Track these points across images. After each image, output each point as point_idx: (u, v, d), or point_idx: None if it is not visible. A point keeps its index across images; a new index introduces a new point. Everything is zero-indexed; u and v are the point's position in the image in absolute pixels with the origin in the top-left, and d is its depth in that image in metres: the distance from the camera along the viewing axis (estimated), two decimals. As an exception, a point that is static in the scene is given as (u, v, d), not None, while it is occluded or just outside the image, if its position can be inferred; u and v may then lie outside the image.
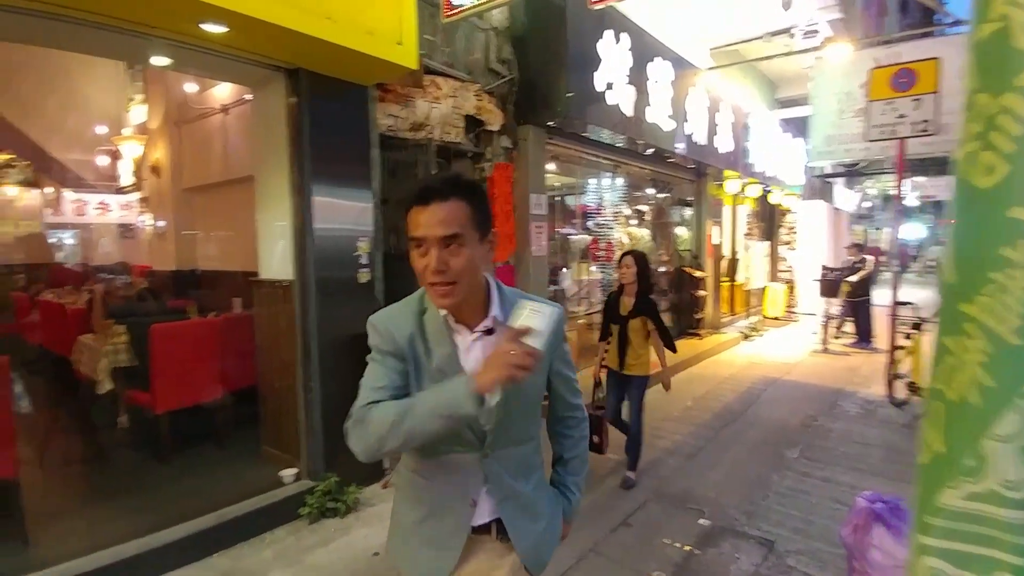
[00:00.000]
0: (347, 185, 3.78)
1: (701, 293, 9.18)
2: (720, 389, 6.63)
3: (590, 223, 7.59)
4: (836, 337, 9.29)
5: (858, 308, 9.08)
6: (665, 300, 9.05)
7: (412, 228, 1.19)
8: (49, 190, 8.78)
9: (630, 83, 5.91)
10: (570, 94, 5.14)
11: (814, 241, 13.38)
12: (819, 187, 13.82)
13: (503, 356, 1.07)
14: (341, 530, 3.34)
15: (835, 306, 9.14)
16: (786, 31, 8.19)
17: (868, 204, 23.06)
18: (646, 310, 3.90)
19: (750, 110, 9.46)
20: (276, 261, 3.75)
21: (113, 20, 2.72)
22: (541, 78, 5.28)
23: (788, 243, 13.50)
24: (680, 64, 6.93)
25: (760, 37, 8.35)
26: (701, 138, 7.64)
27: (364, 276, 3.88)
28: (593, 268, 7.56)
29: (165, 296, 5.62)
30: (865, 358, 8.35)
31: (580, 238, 7.52)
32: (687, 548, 3.17)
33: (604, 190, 7.72)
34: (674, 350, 4.07)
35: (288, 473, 3.62)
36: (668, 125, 6.74)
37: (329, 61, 3.38)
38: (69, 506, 3.39)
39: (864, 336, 9.11)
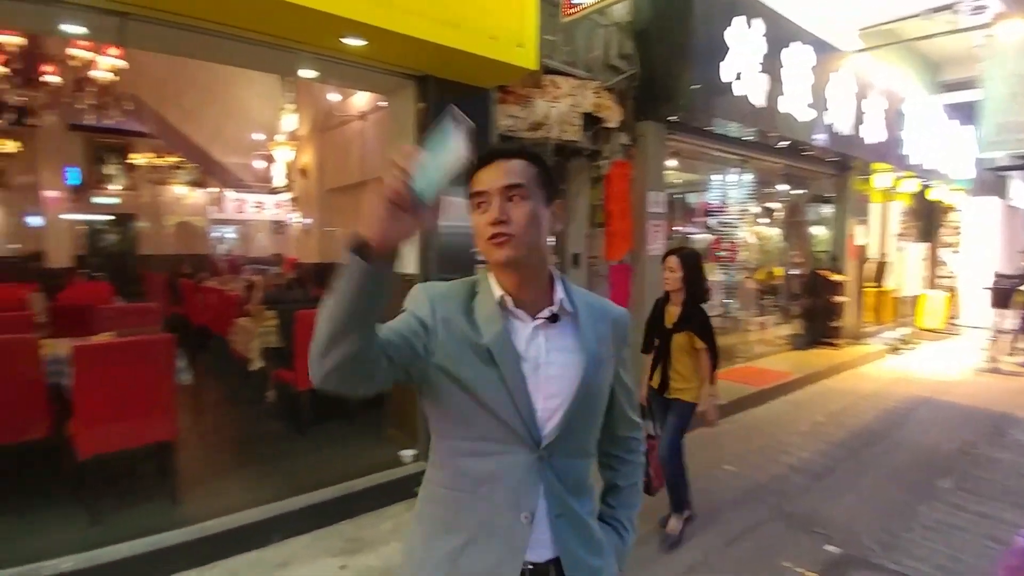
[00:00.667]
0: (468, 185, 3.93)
1: (839, 299, 8.38)
2: (859, 405, 6.02)
3: (713, 222, 7.22)
4: (1009, 354, 8.02)
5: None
6: (796, 305, 8.39)
7: (473, 184, 1.10)
8: (213, 190, 10.08)
9: (762, 71, 5.55)
10: (695, 86, 4.94)
11: (984, 243, 11.62)
12: (991, 181, 11.96)
13: (371, 203, 0.87)
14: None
15: (1009, 319, 7.90)
16: (949, 7, 7.20)
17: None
18: (694, 323, 3.17)
19: (906, 95, 8.44)
20: (410, 256, 4.01)
21: (266, 36, 3.07)
22: (663, 72, 5.13)
23: (951, 245, 11.87)
24: (822, 48, 6.38)
25: (918, 15, 7.41)
26: (845, 128, 6.96)
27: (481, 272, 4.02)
28: (715, 269, 7.20)
29: (309, 286, 6.22)
30: (1046, 381, 7.15)
31: (701, 237, 7.20)
32: (810, 574, 2.94)
33: (729, 186, 7.31)
34: (714, 372, 3.25)
35: (407, 453, 3.87)
36: (805, 115, 6.22)
37: (454, 67, 3.55)
38: (217, 470, 3.89)
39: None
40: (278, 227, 10.25)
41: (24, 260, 9.19)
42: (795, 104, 6.06)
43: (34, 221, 9.78)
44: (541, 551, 1.10)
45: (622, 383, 1.25)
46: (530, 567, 1.09)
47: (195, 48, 3.26)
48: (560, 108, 4.69)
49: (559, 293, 1.14)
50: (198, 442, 4.34)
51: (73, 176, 10.09)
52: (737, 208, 7.34)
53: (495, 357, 1.06)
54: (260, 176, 9.62)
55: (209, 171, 9.83)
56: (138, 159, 10.20)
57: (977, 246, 11.60)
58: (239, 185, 9.78)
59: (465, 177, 1.10)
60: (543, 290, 1.14)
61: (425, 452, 3.88)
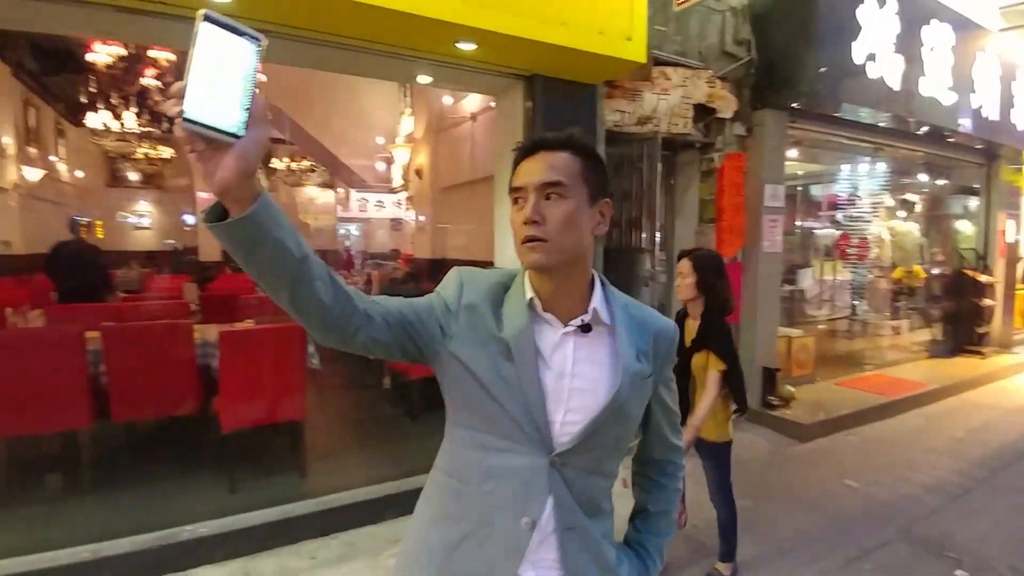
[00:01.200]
0: (574, 181, 3.95)
1: (987, 302, 7.39)
2: (1004, 422, 5.30)
3: (839, 216, 6.66)
4: None
5: None
6: (937, 308, 7.52)
7: (514, 179, 1.01)
8: (340, 190, 10.91)
9: (897, 52, 5.03)
10: (822, 69, 4.59)
11: None
12: None
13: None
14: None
15: None
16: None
17: None
18: (711, 339, 2.65)
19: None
20: (509, 251, 4.12)
21: (387, 47, 3.27)
22: (785, 56, 4.81)
23: None
24: (963, 26, 5.70)
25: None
26: (992, 112, 6.17)
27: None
28: (842, 267, 6.65)
29: (422, 280, 6.58)
30: None
31: (826, 233, 6.67)
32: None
33: (859, 177, 6.69)
34: (743, 410, 2.75)
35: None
36: (948, 98, 5.57)
37: (562, 65, 3.58)
38: (339, 449, 4.23)
39: None
40: (396, 224, 10.89)
41: (180, 254, 10.53)
42: (937, 86, 5.44)
43: (189, 219, 11.18)
44: (547, 573, 1.01)
45: (662, 403, 1.14)
46: None
47: (326, 60, 3.56)
48: (670, 100, 4.57)
49: (595, 301, 1.03)
50: (323, 422, 4.74)
51: (221, 179, 11.44)
52: (868, 201, 6.71)
53: (513, 352, 0.98)
54: (381, 177, 10.27)
55: (336, 173, 10.65)
56: (277, 163, 11.30)
57: None
58: (362, 186, 10.51)
59: (511, 167, 1.04)
60: (580, 296, 1.04)
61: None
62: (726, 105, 4.89)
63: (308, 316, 0.89)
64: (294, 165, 11.06)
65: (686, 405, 2.67)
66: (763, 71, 4.97)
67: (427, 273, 7.27)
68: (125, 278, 6.56)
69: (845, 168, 6.67)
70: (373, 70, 3.92)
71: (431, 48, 3.32)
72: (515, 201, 1.00)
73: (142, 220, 11.15)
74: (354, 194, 10.15)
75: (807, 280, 6.42)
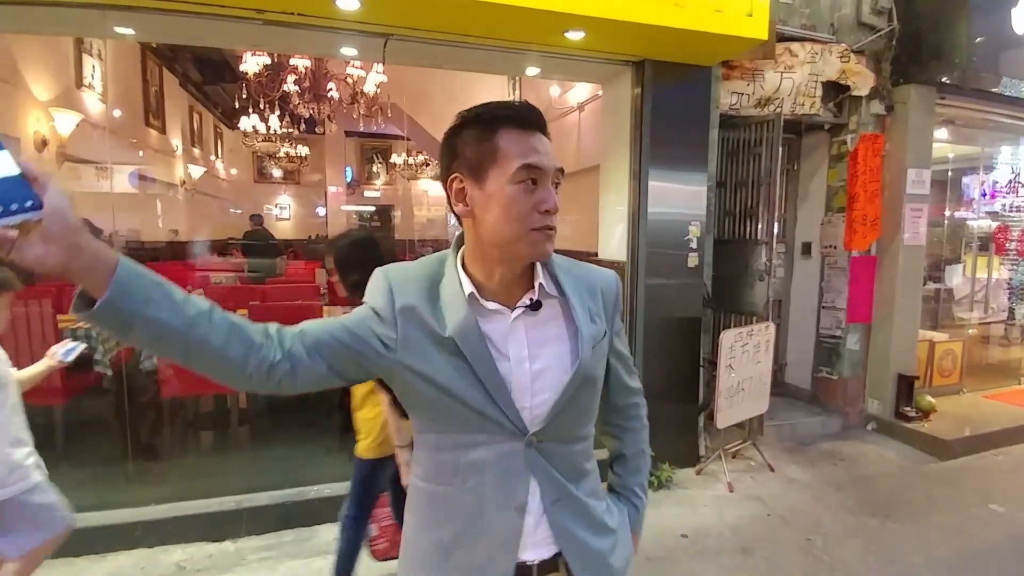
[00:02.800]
0: (682, 169, 3.82)
1: None
2: None
3: (997, 205, 5.79)
4: None
5: None
6: None
7: (522, 154, 0.91)
8: (453, 184, 11.40)
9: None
10: (979, 39, 4.02)
11: None
12: None
13: None
14: (652, 503, 3.44)
15: None
16: None
17: None
18: None
19: None
20: (614, 242, 4.07)
21: (498, 41, 3.34)
22: (933, 25, 4.26)
23: None
24: None
25: None
26: None
27: (693, 260, 3.89)
28: (1000, 263, 5.80)
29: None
30: None
31: (981, 224, 5.84)
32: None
33: (1022, 161, 5.78)
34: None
35: (610, 436, 3.95)
36: None
37: (674, 48, 3.45)
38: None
39: None
40: (502, 215, 11.20)
41: (314, 243, 11.56)
42: None
43: (321, 211, 12.24)
44: (542, 550, 1.01)
45: (616, 352, 1.12)
46: (532, 564, 1.00)
47: (441, 59, 3.73)
48: (795, 78, 4.23)
49: (540, 276, 0.99)
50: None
51: (348, 174, 12.38)
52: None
53: (463, 350, 0.93)
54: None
55: (449, 168, 11.14)
56: (396, 159, 12.01)
57: None
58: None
59: (488, 133, 0.92)
60: (525, 275, 0.99)
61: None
62: (862, 81, 4.44)
63: (220, 377, 0.85)
64: (410, 160, 11.67)
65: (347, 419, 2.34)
66: (907, 42, 4.44)
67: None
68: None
69: (1006, 150, 5.76)
70: (485, 65, 4.04)
71: (540, 39, 3.35)
72: (523, 180, 0.91)
73: (283, 212, 12.38)
74: (465, 187, 10.54)
75: (956, 278, 5.67)
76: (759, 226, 4.15)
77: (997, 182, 5.83)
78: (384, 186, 12.78)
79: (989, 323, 5.78)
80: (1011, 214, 5.75)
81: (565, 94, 6.79)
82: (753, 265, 4.09)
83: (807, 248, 5.03)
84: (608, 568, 1.05)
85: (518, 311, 0.98)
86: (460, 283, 0.97)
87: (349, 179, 12.47)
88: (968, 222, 5.85)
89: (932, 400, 4.69)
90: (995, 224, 5.77)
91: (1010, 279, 5.81)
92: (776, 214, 4.20)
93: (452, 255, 1.01)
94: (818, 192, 4.93)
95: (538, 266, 1.00)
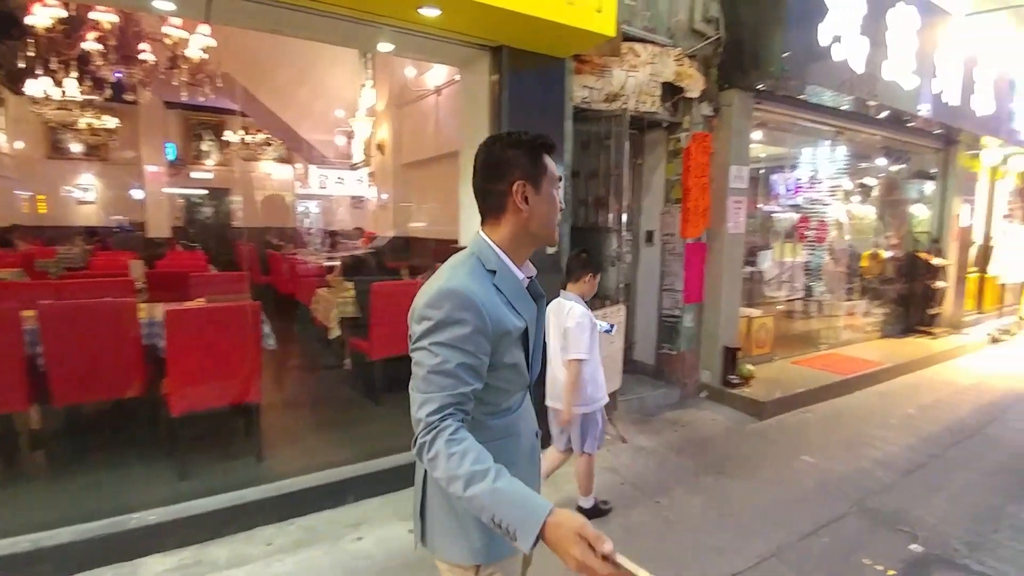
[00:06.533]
0: (540, 158, 3.87)
1: (939, 284, 7.69)
2: (954, 399, 5.54)
3: (800, 199, 6.77)
4: None
5: None
6: (891, 289, 7.77)
7: (555, 170, 1.29)
8: (298, 166, 10.55)
9: (863, 34, 5.07)
10: (786, 53, 4.59)
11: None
12: None
13: (574, 552, 0.93)
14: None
15: None
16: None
17: None
18: None
19: (1020, 64, 7.48)
20: (474, 228, 4.01)
21: (346, 10, 3.09)
22: (752, 36, 4.79)
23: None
24: (928, 10, 5.77)
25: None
26: (952, 98, 6.30)
27: (551, 249, 3.98)
28: (801, 249, 6.77)
29: (384, 258, 6.42)
30: None
31: (786, 216, 6.78)
32: (891, 573, 2.76)
33: (820, 161, 6.81)
34: None
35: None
36: (910, 83, 5.66)
37: (529, 35, 3.46)
38: (297, 432, 4.11)
39: None
40: (357, 202, 10.62)
41: (126, 230, 10.05)
42: (899, 71, 5.52)
43: (136, 194, 10.65)
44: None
45: None
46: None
47: (279, 23, 3.36)
48: (638, 77, 4.50)
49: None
50: (281, 404, 4.60)
51: (171, 151, 10.88)
52: (828, 184, 6.83)
53: (529, 332, 1.27)
54: (341, 152, 9.95)
55: (295, 147, 10.26)
56: (230, 136, 10.82)
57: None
58: (322, 161, 10.18)
59: (536, 155, 1.25)
60: None
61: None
62: (694, 84, 4.86)
63: None
64: (248, 138, 10.62)
65: None
66: (731, 50, 4.95)
67: (390, 252, 7.10)
68: (67, 255, 6.20)
69: (807, 151, 6.76)
70: (331, 35, 3.73)
71: (392, 13, 3.16)
72: (555, 188, 1.29)
73: (86, 194, 10.55)
74: (314, 170, 9.83)
75: (766, 262, 6.53)
76: (610, 215, 4.37)
77: (800, 179, 6.79)
78: (217, 167, 11.47)
79: (793, 300, 6.74)
80: (810, 207, 6.74)
81: (422, 76, 6.58)
82: (605, 252, 4.30)
83: (650, 236, 5.43)
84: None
85: (526, 281, 1.30)
86: (514, 274, 1.27)
87: (173, 158, 10.99)
88: (775, 214, 6.75)
89: (751, 368, 5.36)
90: (797, 216, 6.72)
91: (808, 262, 6.83)
92: (624, 204, 4.46)
93: (490, 253, 1.25)
94: (659, 184, 5.33)
95: None
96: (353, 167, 9.74)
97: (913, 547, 2.99)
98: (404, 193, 7.86)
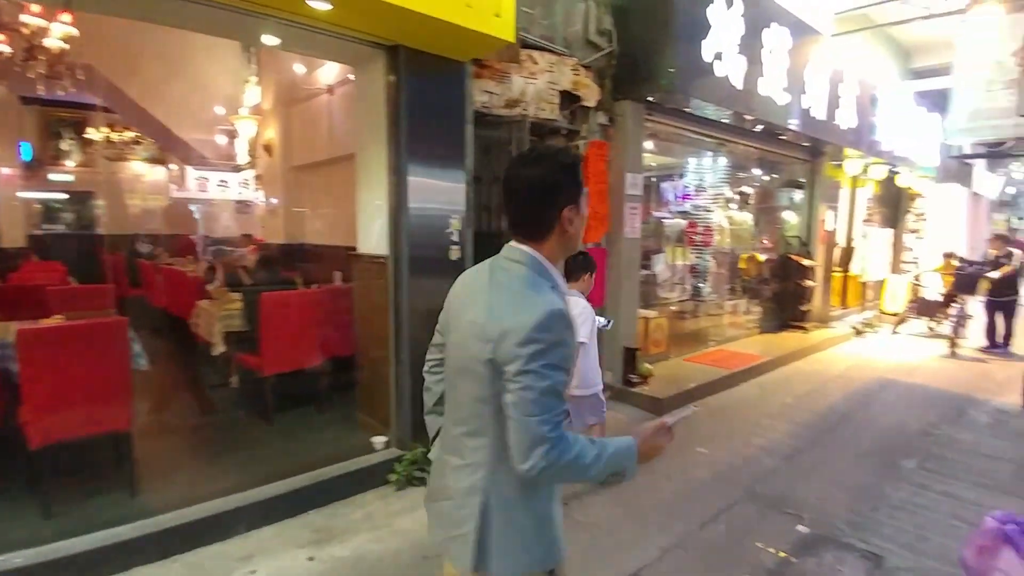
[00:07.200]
0: (441, 164, 3.80)
1: (809, 283, 8.50)
2: (826, 388, 6.12)
3: (688, 206, 7.20)
4: (959, 338, 8.17)
5: (999, 308, 8.00)
6: (767, 289, 8.48)
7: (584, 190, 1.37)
8: (173, 167, 9.66)
9: (741, 52, 5.48)
10: (671, 70, 4.85)
11: (947, 230, 11.91)
12: (956, 169, 12.26)
13: (662, 449, 1.35)
14: (418, 502, 3.42)
15: (968, 304, 8.14)
16: (925, -8, 7.24)
17: (1012, 190, 20.27)
18: None
19: (879, 81, 8.51)
20: (373, 237, 3.86)
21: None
22: (643, 49, 5.02)
23: (916, 231, 12.14)
24: (800, 30, 6.34)
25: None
26: (820, 113, 6.98)
27: (455, 253, 3.91)
28: (689, 253, 7.20)
29: (275, 268, 6.01)
30: (1000, 364, 7.38)
31: (676, 221, 7.18)
32: (782, 554, 2.95)
33: (705, 170, 7.29)
34: None
35: (379, 440, 3.76)
36: (783, 99, 6.21)
37: (427, 36, 3.38)
38: (178, 459, 3.73)
39: (1004, 339, 8.04)
40: (242, 207, 9.90)
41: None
42: (773, 87, 6.03)
43: (-21, 197, 9.23)
44: None
45: None
46: None
47: (147, 11, 3.03)
48: (537, 85, 4.56)
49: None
50: (158, 431, 4.15)
51: (26, 151, 9.56)
52: (711, 192, 7.33)
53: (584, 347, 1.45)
54: (223, 153, 9.23)
55: (169, 147, 9.38)
56: (94, 134, 9.68)
57: (941, 233, 11.90)
58: (201, 162, 9.39)
59: (579, 171, 1.34)
60: None
61: (396, 439, 3.78)
62: (590, 94, 5.00)
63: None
64: (115, 136, 9.56)
65: None
66: (624, 63, 5.15)
67: (281, 260, 6.68)
68: None
69: (693, 161, 7.22)
70: (208, 26, 3.43)
71: (278, 5, 2.95)
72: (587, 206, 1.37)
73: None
74: (191, 172, 9.04)
75: (659, 265, 6.87)
76: (513, 220, 4.37)
77: (687, 187, 7.23)
78: (80, 168, 10.20)
79: (684, 301, 7.14)
80: (697, 213, 7.19)
81: (314, 73, 6.26)
82: (509, 257, 4.29)
83: (552, 241, 5.51)
84: None
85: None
86: (564, 288, 1.37)
87: (28, 158, 9.64)
88: (666, 220, 7.13)
89: (649, 367, 5.60)
90: (686, 222, 7.14)
91: (695, 265, 7.28)
92: (527, 209, 4.47)
93: (545, 269, 1.30)
94: (559, 190, 5.42)
95: None
96: (236, 169, 9.07)
97: (800, 528, 3.22)
98: (296, 198, 7.43)
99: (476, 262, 4.37)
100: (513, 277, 1.27)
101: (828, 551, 2.99)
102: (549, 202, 1.27)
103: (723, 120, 6.34)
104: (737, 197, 8.12)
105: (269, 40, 3.45)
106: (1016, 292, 7.91)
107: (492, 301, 1.24)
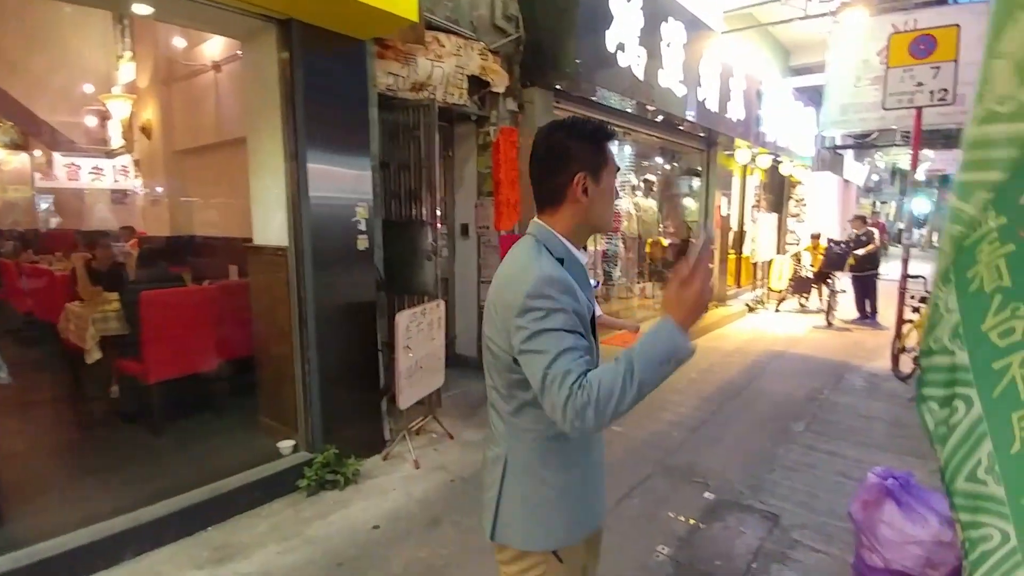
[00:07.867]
0: (344, 149, 3.59)
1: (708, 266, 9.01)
2: (725, 362, 6.54)
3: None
4: (831, 310, 9.04)
5: (864, 282, 8.94)
6: (670, 272, 8.91)
7: (615, 161, 1.33)
8: (38, 153, 8.52)
9: (642, 44, 5.64)
10: (578, 61, 4.89)
11: (823, 213, 13.11)
12: (829, 159, 13.50)
13: (698, 297, 1.11)
14: (340, 503, 3.26)
15: (838, 280, 9.01)
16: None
17: (876, 178, 22.69)
18: None
19: (763, 77, 9.14)
20: (271, 227, 3.58)
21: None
22: (549, 37, 5.02)
23: (797, 215, 13.26)
24: (694, 26, 6.63)
25: (776, 0, 8.00)
26: (713, 105, 7.37)
27: (363, 242, 3.72)
28: (601, 239, 7.39)
29: (159, 262, 5.45)
30: (870, 333, 8.25)
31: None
32: (692, 521, 3.10)
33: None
34: None
35: (286, 445, 3.53)
36: (680, 90, 6.47)
37: (322, 10, 3.16)
38: (52, 481, 3.29)
39: (871, 311, 8.99)
40: (119, 196, 8.92)
41: None
42: (672, 79, 6.27)
43: None
44: None
45: None
46: None
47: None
48: (445, 68, 4.42)
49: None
50: (25, 452, 3.64)
51: None
52: (619, 180, 7.55)
53: (593, 321, 1.29)
54: (95, 137, 8.24)
55: (31, 131, 8.25)
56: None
57: (817, 216, 13.07)
58: (71, 148, 8.33)
59: (596, 143, 1.27)
60: None
61: (306, 442, 3.57)
62: (499, 79, 4.94)
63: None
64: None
65: None
66: (532, 49, 5.13)
67: (166, 254, 6.09)
68: None
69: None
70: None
71: (148, -33, 2.62)
72: (614, 179, 1.34)
73: None
74: (59, 158, 8.01)
75: (572, 251, 6.99)
76: (423, 208, 4.24)
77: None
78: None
79: (597, 286, 7.32)
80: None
81: (197, 47, 5.72)
82: (421, 246, 4.16)
83: (465, 229, 5.43)
84: None
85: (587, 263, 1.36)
86: (580, 261, 1.32)
87: None
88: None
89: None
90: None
91: (607, 250, 7.49)
92: (437, 197, 4.35)
93: (556, 241, 1.27)
94: (471, 177, 5.35)
95: None
96: (110, 154, 8.14)
97: (707, 495, 3.40)
98: (182, 186, 6.79)
99: (386, 251, 4.21)
100: (519, 251, 1.28)
101: (732, 514, 3.19)
102: (557, 169, 1.26)
103: (627, 110, 6.52)
104: (642, 184, 8.44)
105: (141, 9, 3.07)
106: (876, 267, 8.87)
107: (498, 279, 1.28)
